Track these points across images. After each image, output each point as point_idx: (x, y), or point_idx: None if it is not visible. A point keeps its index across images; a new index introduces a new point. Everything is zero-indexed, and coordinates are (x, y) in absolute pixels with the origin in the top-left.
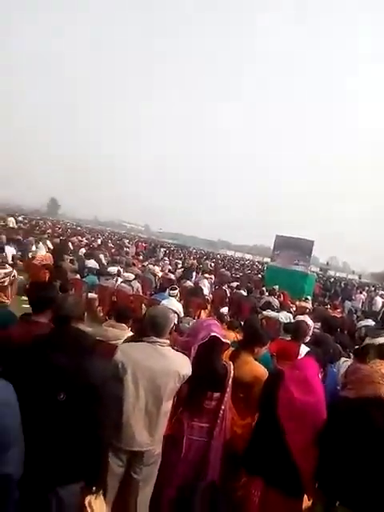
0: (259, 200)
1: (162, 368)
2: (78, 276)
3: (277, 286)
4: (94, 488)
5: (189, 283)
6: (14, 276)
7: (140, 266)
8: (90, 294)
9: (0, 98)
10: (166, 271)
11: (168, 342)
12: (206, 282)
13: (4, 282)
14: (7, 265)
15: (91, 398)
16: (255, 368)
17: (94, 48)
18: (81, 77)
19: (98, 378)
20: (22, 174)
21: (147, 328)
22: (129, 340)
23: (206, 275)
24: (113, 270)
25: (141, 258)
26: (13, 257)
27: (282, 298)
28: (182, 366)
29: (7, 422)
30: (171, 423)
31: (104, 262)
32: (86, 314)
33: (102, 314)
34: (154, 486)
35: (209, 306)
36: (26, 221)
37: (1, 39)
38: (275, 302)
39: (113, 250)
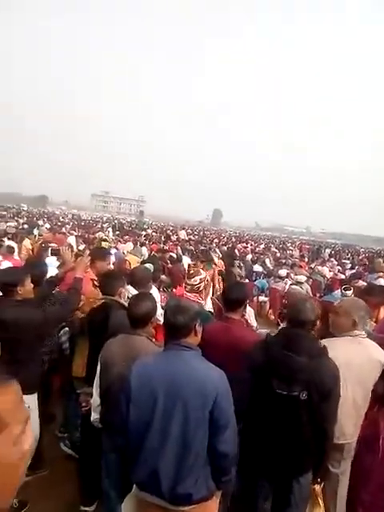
0: None
1: (365, 360)
2: (247, 280)
3: None
4: (319, 479)
5: (361, 283)
6: (207, 280)
7: (307, 267)
8: (260, 298)
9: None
10: (336, 272)
11: (365, 333)
12: (382, 280)
13: (200, 286)
14: (201, 271)
15: (325, 396)
16: None
17: None
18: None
19: (332, 378)
20: (186, 190)
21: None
22: None
23: (381, 274)
24: (282, 272)
25: (306, 260)
26: (188, 265)
27: None
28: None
29: (224, 405)
30: (364, 424)
31: (269, 265)
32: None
33: (273, 317)
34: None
35: None
36: (195, 232)
37: None
38: None
39: (277, 254)
